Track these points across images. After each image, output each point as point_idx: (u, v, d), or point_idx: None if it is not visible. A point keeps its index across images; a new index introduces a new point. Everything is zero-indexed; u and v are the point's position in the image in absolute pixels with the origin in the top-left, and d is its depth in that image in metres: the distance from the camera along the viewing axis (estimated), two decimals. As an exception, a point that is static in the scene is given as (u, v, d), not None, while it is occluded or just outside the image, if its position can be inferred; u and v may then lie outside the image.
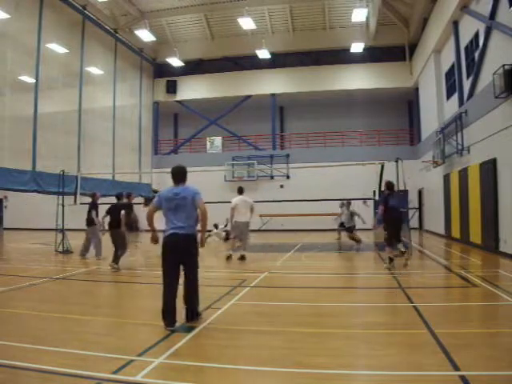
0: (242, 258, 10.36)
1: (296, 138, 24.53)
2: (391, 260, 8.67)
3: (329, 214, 19.11)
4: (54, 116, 15.83)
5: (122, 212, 9.48)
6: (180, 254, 4.65)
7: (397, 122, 23.63)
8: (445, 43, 16.21)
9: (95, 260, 10.71)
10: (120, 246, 9.21)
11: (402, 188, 11.41)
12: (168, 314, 4.54)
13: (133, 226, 10.46)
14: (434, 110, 17.61)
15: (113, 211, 9.51)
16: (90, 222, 11.02)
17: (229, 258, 10.48)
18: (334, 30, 22.90)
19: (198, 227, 5.02)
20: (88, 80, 18.06)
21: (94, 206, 11.14)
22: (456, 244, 13.71)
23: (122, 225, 9.38)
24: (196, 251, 4.82)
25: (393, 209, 8.65)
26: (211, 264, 10.43)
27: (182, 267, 4.72)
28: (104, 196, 17.95)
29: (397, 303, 5.77)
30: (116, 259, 9.03)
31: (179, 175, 4.85)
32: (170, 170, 4.94)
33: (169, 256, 4.68)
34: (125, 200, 10.18)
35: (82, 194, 14.10)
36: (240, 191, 10.59)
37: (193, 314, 4.75)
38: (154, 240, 4.96)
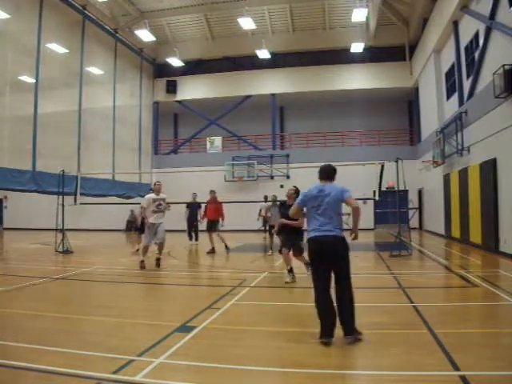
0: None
1: (296, 138, 24.52)
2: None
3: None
4: (54, 116, 15.81)
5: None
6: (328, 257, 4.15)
7: (397, 122, 23.63)
8: (445, 43, 16.20)
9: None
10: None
11: (402, 188, 11.42)
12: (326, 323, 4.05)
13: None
14: (434, 110, 17.60)
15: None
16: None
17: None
18: (334, 30, 22.91)
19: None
20: (88, 80, 18.05)
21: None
22: (456, 244, 13.70)
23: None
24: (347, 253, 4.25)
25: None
26: (211, 264, 10.45)
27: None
28: (104, 196, 18.02)
29: (397, 303, 5.77)
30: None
31: (326, 173, 4.40)
32: (169, 170, 4.97)
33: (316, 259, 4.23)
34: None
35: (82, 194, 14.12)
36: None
37: (352, 328, 4.06)
38: None
